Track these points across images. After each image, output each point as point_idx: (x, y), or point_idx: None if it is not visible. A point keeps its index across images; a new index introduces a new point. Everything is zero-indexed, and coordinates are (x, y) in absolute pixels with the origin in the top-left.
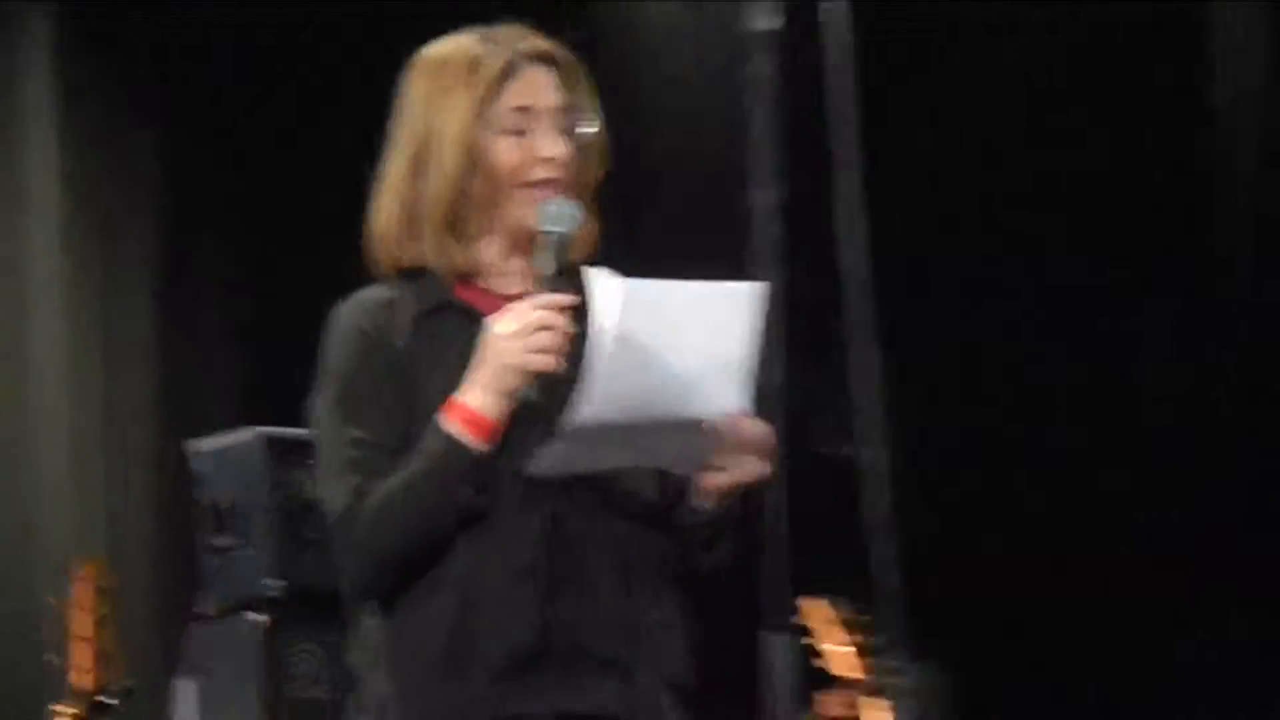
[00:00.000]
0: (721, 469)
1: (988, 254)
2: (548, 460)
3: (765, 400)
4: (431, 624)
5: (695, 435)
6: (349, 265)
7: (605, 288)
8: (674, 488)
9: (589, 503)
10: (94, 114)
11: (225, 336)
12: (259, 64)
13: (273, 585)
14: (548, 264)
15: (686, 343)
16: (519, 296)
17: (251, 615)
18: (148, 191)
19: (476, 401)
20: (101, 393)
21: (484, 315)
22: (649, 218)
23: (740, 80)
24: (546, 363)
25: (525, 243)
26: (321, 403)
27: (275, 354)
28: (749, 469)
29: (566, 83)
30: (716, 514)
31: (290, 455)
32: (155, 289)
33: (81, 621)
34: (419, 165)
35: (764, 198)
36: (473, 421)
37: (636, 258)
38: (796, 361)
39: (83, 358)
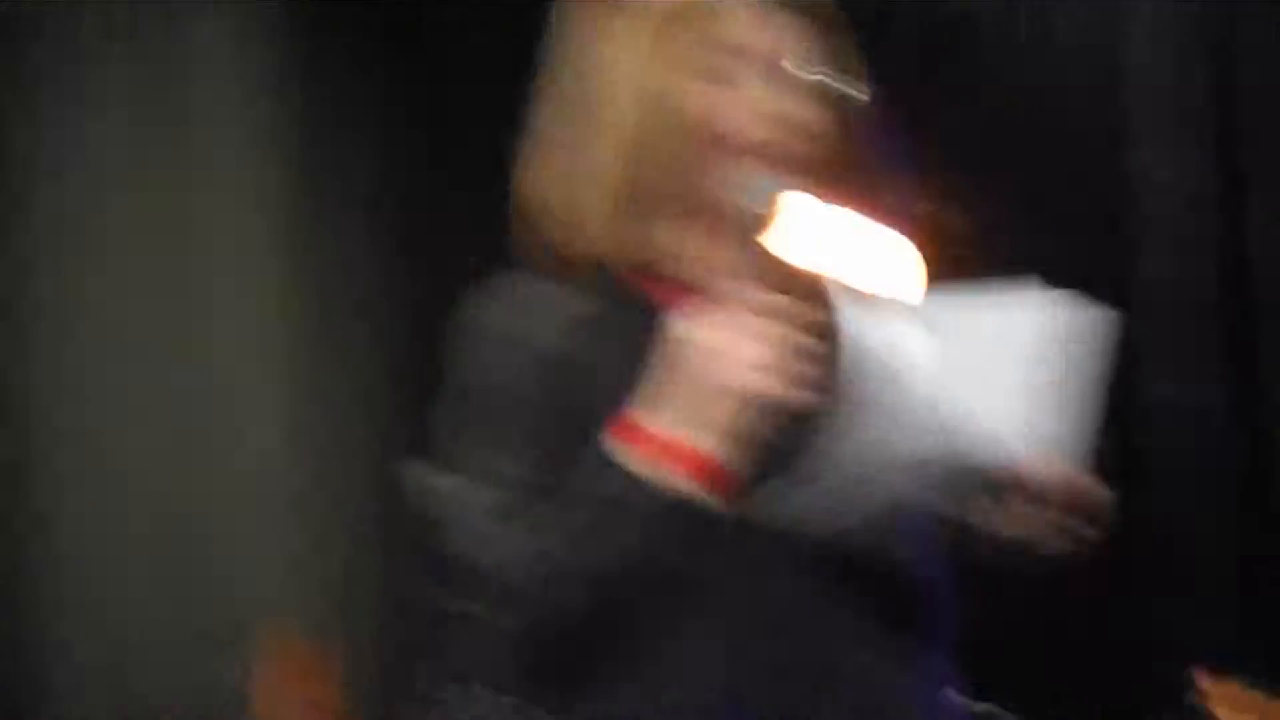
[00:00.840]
0: (1015, 517)
1: None
2: (780, 509)
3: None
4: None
5: (970, 476)
6: None
7: (871, 302)
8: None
9: (830, 566)
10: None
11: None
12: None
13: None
14: (754, 254)
15: (972, 369)
16: (714, 293)
17: (500, 695)
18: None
19: (664, 422)
20: (311, 422)
21: (665, 313)
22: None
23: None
24: (767, 386)
25: (726, 224)
26: (454, 428)
27: None
28: (1036, 522)
29: (800, 19)
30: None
31: None
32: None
33: (278, 701)
34: (584, 120)
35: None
36: (665, 451)
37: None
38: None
39: (290, 385)
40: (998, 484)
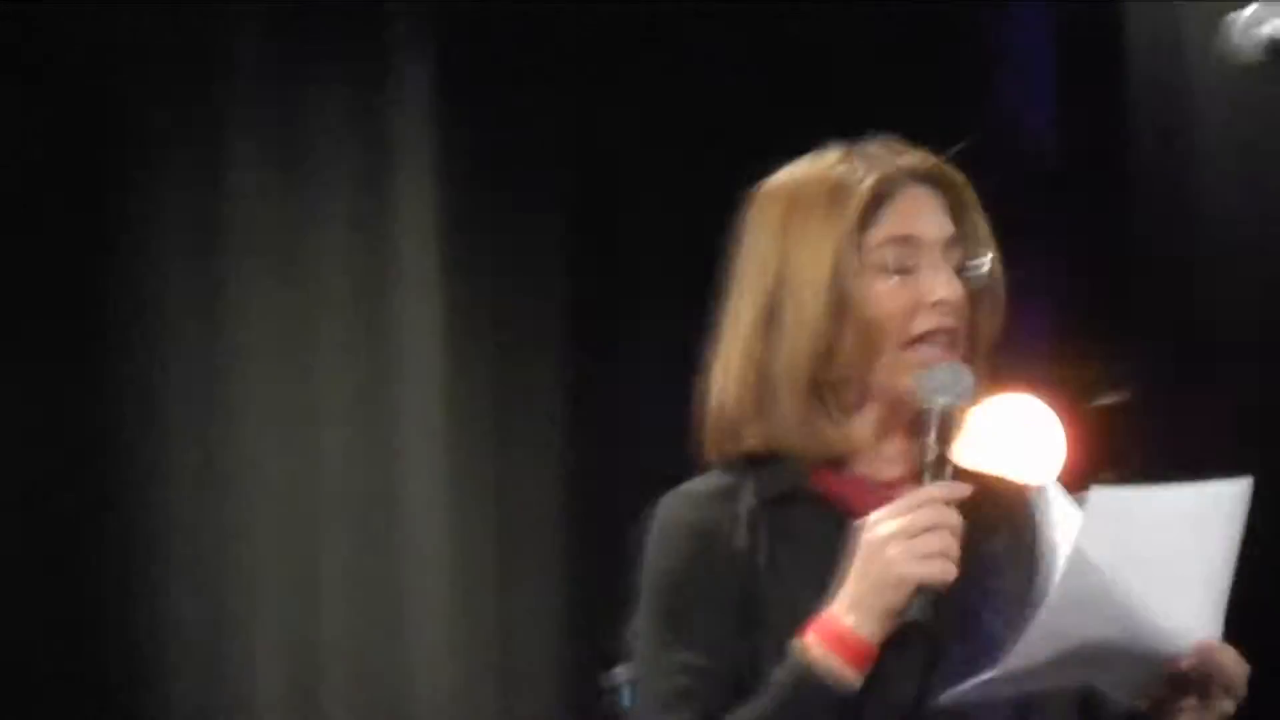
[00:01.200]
0: (1178, 706)
1: None
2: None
3: None
4: None
5: (1151, 665)
6: None
7: (1055, 498)
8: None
9: None
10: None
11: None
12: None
13: None
14: (933, 448)
15: (1156, 560)
16: (896, 486)
17: None
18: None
19: (850, 621)
20: (494, 567)
21: (847, 508)
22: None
23: None
24: (940, 573)
25: (905, 417)
26: (643, 617)
27: None
28: (1215, 710)
29: (954, 208)
30: None
31: None
32: (560, 488)
33: None
34: (772, 318)
35: None
36: (846, 646)
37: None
38: None
39: (473, 563)
40: (1175, 672)
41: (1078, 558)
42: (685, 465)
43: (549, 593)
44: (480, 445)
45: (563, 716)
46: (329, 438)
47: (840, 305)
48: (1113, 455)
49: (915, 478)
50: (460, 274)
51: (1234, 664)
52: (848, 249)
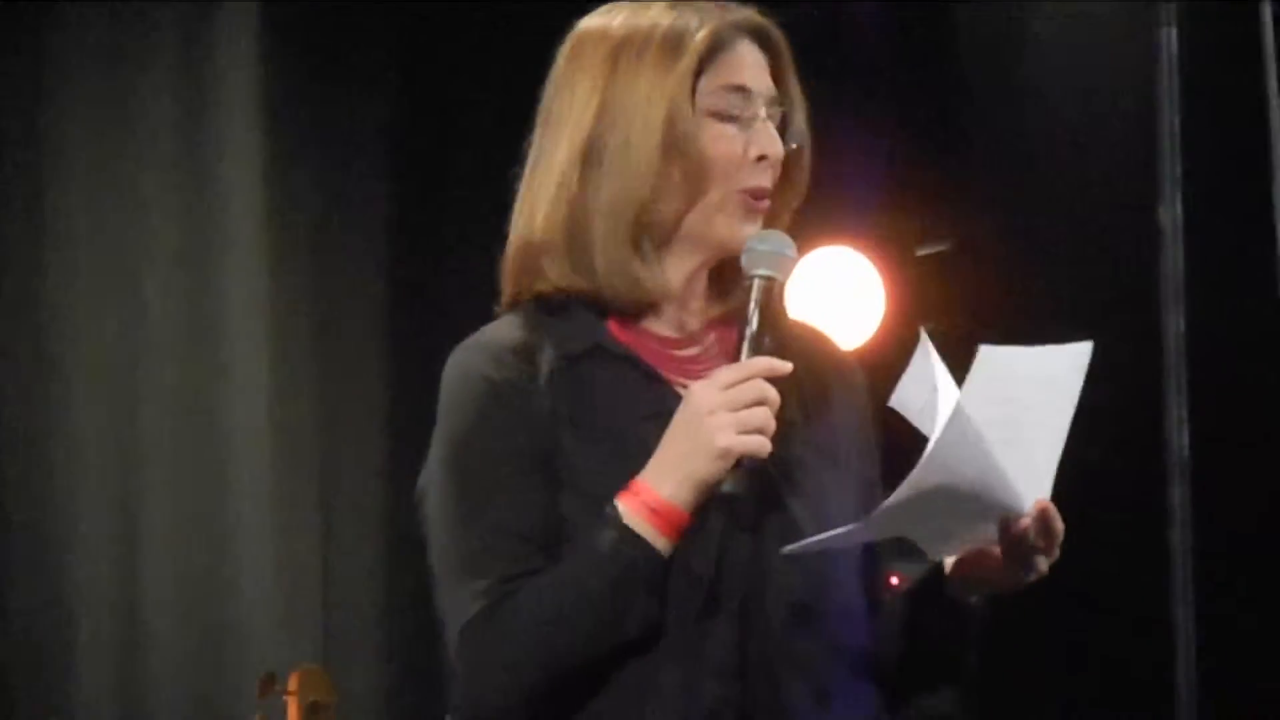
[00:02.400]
0: (1000, 562)
1: None
2: (809, 547)
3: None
4: None
5: (990, 520)
6: None
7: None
8: (889, 589)
9: (785, 610)
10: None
11: None
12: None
13: None
14: (758, 318)
15: (1016, 419)
16: (686, 342)
17: None
18: (375, 217)
19: (667, 490)
20: (318, 462)
21: (648, 364)
22: (1036, 235)
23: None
24: (759, 447)
25: (718, 266)
26: (439, 478)
27: None
28: (1035, 568)
29: (778, 69)
30: (972, 618)
31: None
32: (382, 332)
33: None
34: (593, 156)
35: (1169, 212)
36: (664, 515)
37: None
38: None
39: (294, 421)
40: (1008, 529)
41: (959, 413)
42: None
43: (371, 435)
44: (303, 348)
45: (385, 563)
46: (154, 341)
47: (672, 144)
48: (934, 306)
49: (711, 330)
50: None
51: (1060, 526)
52: (682, 91)
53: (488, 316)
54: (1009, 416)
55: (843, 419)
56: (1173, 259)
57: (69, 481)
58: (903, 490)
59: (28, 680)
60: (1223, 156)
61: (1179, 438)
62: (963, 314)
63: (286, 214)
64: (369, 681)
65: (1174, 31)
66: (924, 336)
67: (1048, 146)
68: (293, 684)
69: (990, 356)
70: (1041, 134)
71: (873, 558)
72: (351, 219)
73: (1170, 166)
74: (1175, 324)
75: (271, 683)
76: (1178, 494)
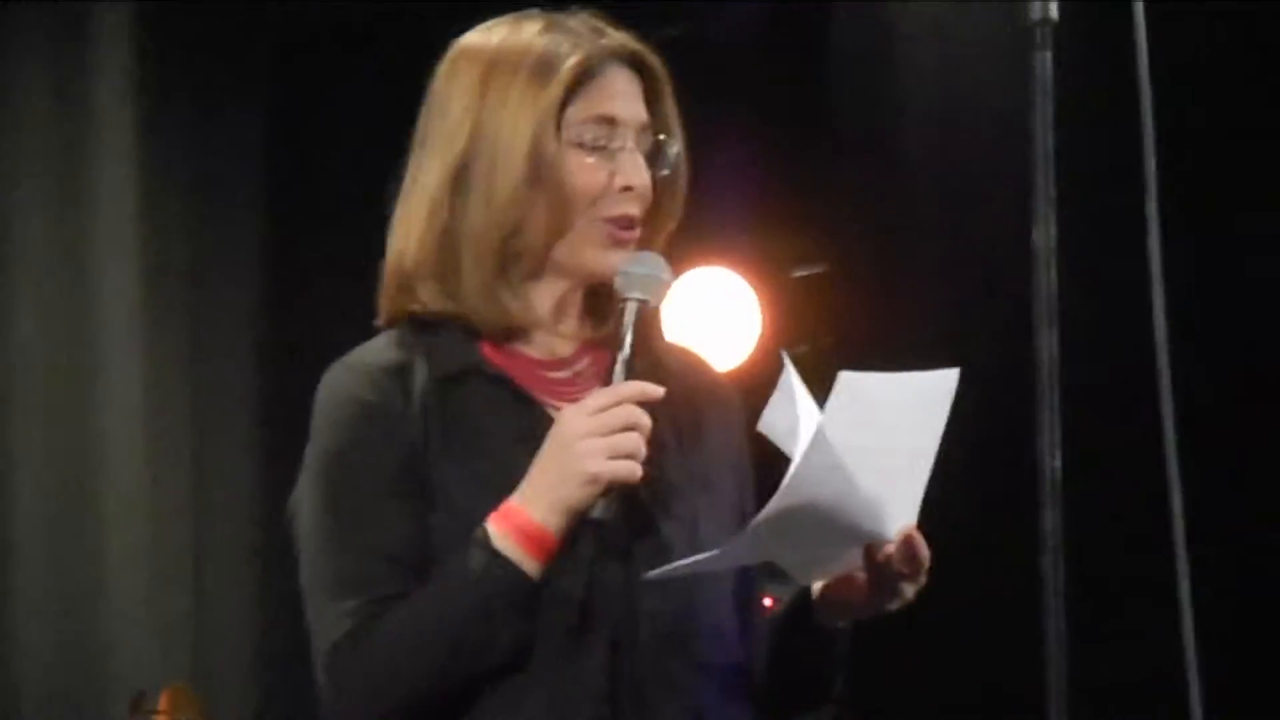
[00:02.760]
0: (866, 588)
1: None
2: (676, 570)
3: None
4: None
5: (854, 546)
6: None
7: (792, 384)
8: (762, 611)
9: (656, 633)
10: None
11: None
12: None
13: None
14: (630, 343)
15: (880, 444)
16: (559, 364)
17: None
18: (244, 224)
19: (537, 514)
20: (190, 478)
21: (520, 386)
22: (910, 257)
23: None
24: (629, 473)
25: (584, 293)
26: (310, 497)
27: None
28: (900, 594)
29: (650, 93)
30: (839, 642)
31: None
32: (256, 342)
33: None
34: (462, 181)
35: (1043, 234)
36: (534, 539)
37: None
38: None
39: (167, 433)
40: (874, 555)
41: (820, 436)
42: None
43: (245, 451)
44: (176, 358)
45: (258, 580)
46: (24, 349)
47: (535, 175)
48: (809, 328)
49: (585, 352)
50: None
51: (926, 553)
52: (548, 121)
53: (362, 326)
54: (872, 442)
55: (716, 442)
56: (1046, 280)
57: None
58: (763, 514)
59: None
60: (1096, 177)
61: (1050, 461)
62: (838, 335)
63: (159, 221)
64: (239, 698)
65: (1048, 55)
66: (786, 361)
67: (922, 167)
68: (163, 703)
69: (851, 382)
70: (916, 155)
71: (746, 580)
72: (225, 226)
73: (1044, 187)
74: (1049, 346)
75: (141, 701)
76: (1050, 519)
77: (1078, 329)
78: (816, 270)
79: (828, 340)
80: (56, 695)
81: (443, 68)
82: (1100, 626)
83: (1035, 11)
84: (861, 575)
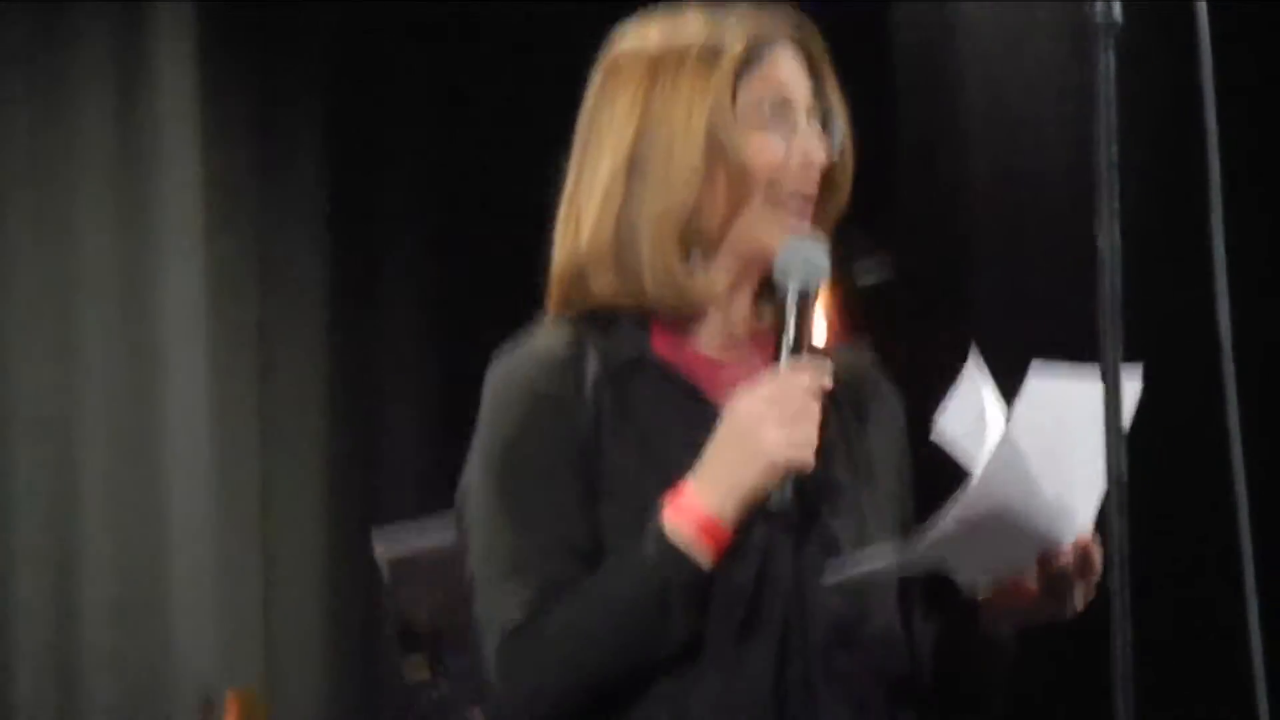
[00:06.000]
0: (1047, 595)
1: None
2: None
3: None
4: None
5: (1029, 554)
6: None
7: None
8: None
9: (825, 629)
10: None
11: (413, 403)
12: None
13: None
14: (795, 327)
15: (1063, 449)
16: (728, 359)
17: None
18: (310, 227)
19: (713, 502)
20: (257, 481)
21: (690, 379)
22: (978, 258)
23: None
24: (807, 461)
25: (755, 276)
26: (482, 487)
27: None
28: (1077, 601)
29: (815, 74)
30: (1005, 651)
31: None
32: (322, 347)
33: None
34: (636, 170)
35: (1108, 237)
36: (708, 530)
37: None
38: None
39: (234, 439)
40: (1049, 563)
41: (1008, 441)
42: (445, 325)
43: (311, 456)
44: (242, 372)
45: (326, 585)
46: (90, 365)
47: (713, 155)
48: (875, 337)
49: (754, 344)
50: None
51: (1100, 561)
52: (722, 101)
53: (426, 333)
54: (1055, 445)
55: (880, 440)
56: (1111, 286)
57: (5, 503)
58: (947, 521)
59: None
60: (1161, 180)
61: (1118, 468)
62: (904, 344)
63: (225, 233)
64: (306, 701)
65: (1112, 56)
66: (975, 356)
67: (985, 173)
68: (232, 706)
69: (1041, 383)
70: (978, 160)
71: (907, 582)
72: (291, 242)
73: (1109, 190)
74: (1114, 351)
75: (211, 707)
76: (1118, 527)
77: (1143, 333)
78: (881, 278)
79: (894, 349)
80: (125, 699)
81: (602, 66)
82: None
83: (1099, 13)
84: (1031, 583)
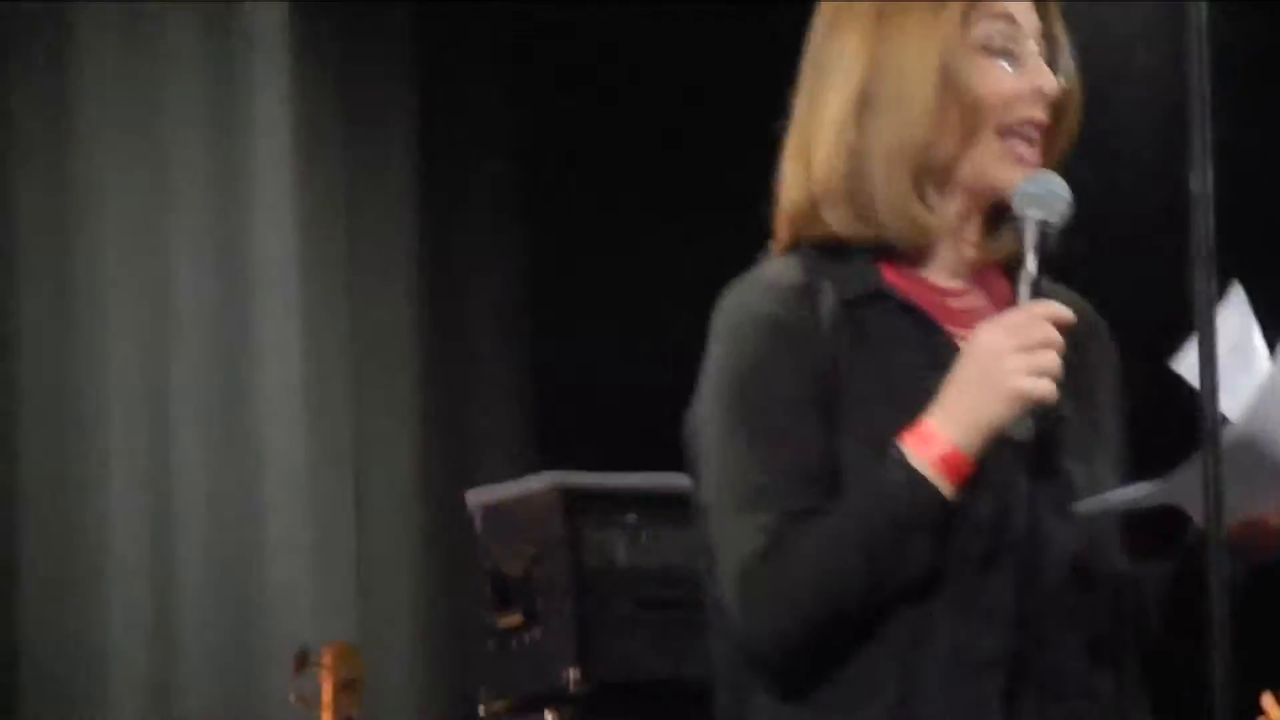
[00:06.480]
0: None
1: None
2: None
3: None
4: None
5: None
6: (655, 269)
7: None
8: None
9: (1060, 566)
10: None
11: (504, 361)
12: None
13: (573, 678)
14: (1036, 260)
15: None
16: (960, 291)
17: (547, 715)
18: (403, 184)
19: (955, 433)
20: (351, 436)
21: (925, 311)
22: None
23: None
24: (1049, 391)
25: (984, 208)
26: (719, 417)
27: (566, 384)
28: None
29: (1042, 7)
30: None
31: (597, 510)
32: (414, 305)
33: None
34: (868, 104)
35: (1200, 180)
36: (950, 460)
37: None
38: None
39: (327, 395)
40: None
41: (1278, 373)
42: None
43: (404, 412)
44: (335, 320)
45: (418, 538)
46: (184, 311)
47: (946, 85)
48: None
49: (983, 274)
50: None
51: None
52: (953, 31)
53: (519, 285)
54: None
55: (1101, 381)
56: (1204, 227)
57: (101, 457)
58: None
59: (59, 654)
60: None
61: (1212, 413)
62: None
63: (315, 181)
64: (401, 659)
65: (1204, 4)
66: (1237, 289)
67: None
68: (326, 658)
69: None
70: None
71: (1136, 520)
72: (380, 185)
73: (1201, 134)
74: (1208, 294)
75: (306, 659)
76: (1209, 468)
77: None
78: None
79: None
80: (220, 652)
81: (824, 12)
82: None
83: None
84: (1271, 519)
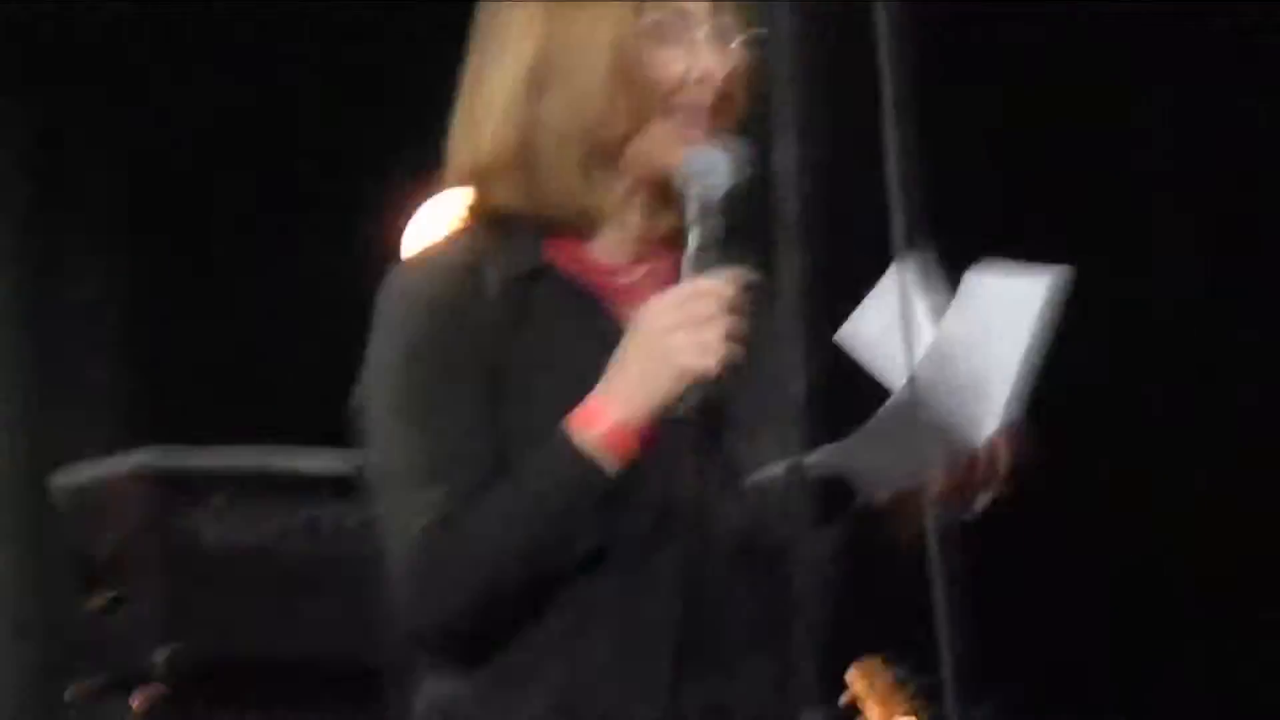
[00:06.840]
0: (953, 495)
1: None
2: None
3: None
4: (529, 698)
5: (942, 452)
6: (263, 247)
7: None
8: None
9: (728, 538)
10: None
11: (99, 337)
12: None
13: (163, 658)
14: (700, 235)
15: (990, 346)
16: (625, 268)
17: (136, 695)
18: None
19: (621, 411)
20: None
21: (588, 287)
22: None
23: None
24: (715, 366)
25: (654, 191)
26: (383, 397)
27: (163, 359)
28: (976, 502)
29: None
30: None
31: (185, 486)
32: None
33: None
34: (539, 79)
35: (786, 156)
36: (615, 437)
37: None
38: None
39: None
40: (958, 461)
41: (942, 339)
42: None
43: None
44: None
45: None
46: None
47: (617, 66)
48: None
49: (651, 252)
50: None
51: (1004, 463)
52: (626, 14)
53: (122, 270)
54: (983, 341)
55: (768, 352)
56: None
57: None
58: (872, 422)
59: None
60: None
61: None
62: None
63: None
64: None
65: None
66: (899, 269)
67: None
68: None
69: (975, 284)
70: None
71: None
72: None
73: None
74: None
75: None
76: None
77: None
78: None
79: None
80: None
81: None
82: None
83: None
84: (931, 486)
